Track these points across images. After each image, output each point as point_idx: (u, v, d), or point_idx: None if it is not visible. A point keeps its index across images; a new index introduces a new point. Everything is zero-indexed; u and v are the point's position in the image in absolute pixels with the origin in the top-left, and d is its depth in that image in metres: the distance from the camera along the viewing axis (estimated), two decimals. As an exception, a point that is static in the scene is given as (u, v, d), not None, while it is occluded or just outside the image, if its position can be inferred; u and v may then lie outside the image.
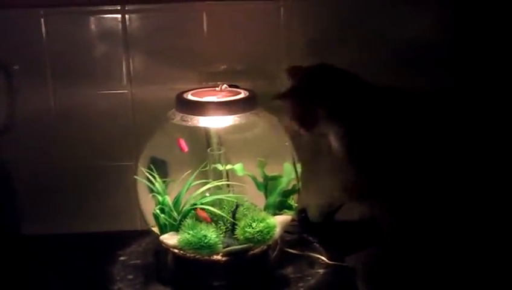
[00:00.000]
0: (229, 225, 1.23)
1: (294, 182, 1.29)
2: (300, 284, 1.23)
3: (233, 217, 1.24)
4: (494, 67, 1.40)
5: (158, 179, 1.24)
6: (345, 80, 1.14)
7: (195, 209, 1.23)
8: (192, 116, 1.21)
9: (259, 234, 1.20)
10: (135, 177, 1.26)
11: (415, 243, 1.05)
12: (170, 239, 1.22)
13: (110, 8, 1.36)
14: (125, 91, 1.40)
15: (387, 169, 1.07)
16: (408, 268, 1.04)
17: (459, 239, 1.04)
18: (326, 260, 1.31)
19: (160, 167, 1.27)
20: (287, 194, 1.29)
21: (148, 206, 1.26)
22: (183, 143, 1.25)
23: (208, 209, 1.22)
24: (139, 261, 1.33)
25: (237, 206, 1.25)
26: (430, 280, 1.03)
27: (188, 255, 1.22)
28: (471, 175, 1.11)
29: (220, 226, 1.23)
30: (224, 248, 1.21)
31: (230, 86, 1.29)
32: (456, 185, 1.07)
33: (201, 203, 1.23)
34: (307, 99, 1.14)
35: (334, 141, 1.12)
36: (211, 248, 1.19)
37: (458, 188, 1.07)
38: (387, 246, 1.09)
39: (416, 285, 1.04)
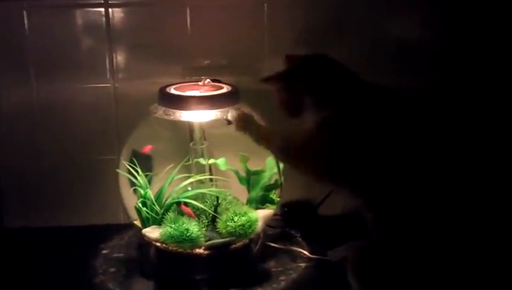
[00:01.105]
0: (211, 218, 1.24)
1: (276, 177, 1.30)
2: (282, 278, 1.24)
3: (215, 211, 1.24)
4: (484, 65, 1.42)
5: (140, 172, 1.24)
6: (338, 71, 1.14)
7: (178, 204, 1.23)
8: (175, 110, 1.21)
9: (241, 228, 1.21)
10: (117, 171, 1.27)
11: (399, 235, 1.06)
12: (152, 233, 1.22)
13: (93, 2, 1.36)
14: (108, 85, 1.40)
15: (370, 162, 1.08)
16: (392, 260, 1.05)
17: (443, 231, 1.05)
18: (308, 254, 1.32)
19: (143, 161, 1.27)
20: (269, 188, 1.30)
21: (131, 200, 1.26)
22: (147, 148, 1.27)
23: (189, 203, 1.23)
24: (121, 255, 1.33)
25: (218, 200, 1.25)
26: (415, 272, 1.04)
27: (170, 248, 1.22)
28: (454, 169, 1.12)
29: (202, 220, 1.23)
30: (206, 241, 1.21)
31: (213, 80, 1.30)
32: (440, 179, 1.09)
33: (184, 197, 1.23)
34: (295, 85, 1.13)
35: (317, 131, 1.13)
36: (193, 242, 1.19)
37: (442, 181, 1.09)
38: (370, 238, 1.10)
39: (401, 277, 1.05)
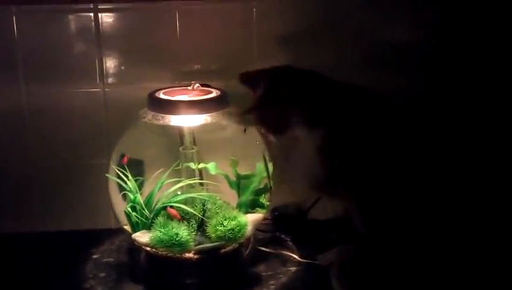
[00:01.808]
0: (199, 222, 1.24)
1: (266, 181, 1.30)
2: (272, 282, 1.24)
3: (203, 215, 1.24)
4: (477, 67, 1.42)
5: (130, 177, 1.24)
6: (314, 81, 1.15)
7: (166, 207, 1.23)
8: (164, 115, 1.21)
9: (231, 232, 1.21)
10: (107, 175, 1.27)
11: (387, 239, 1.06)
12: (142, 237, 1.22)
13: (82, 7, 1.36)
14: (98, 90, 1.39)
15: (360, 168, 1.09)
16: (380, 264, 1.06)
17: (432, 235, 1.05)
18: (298, 258, 1.32)
19: (134, 165, 1.27)
20: (259, 192, 1.30)
21: (120, 205, 1.26)
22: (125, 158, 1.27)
23: (178, 207, 1.23)
24: (111, 259, 1.33)
25: (204, 205, 1.26)
26: (403, 275, 1.05)
27: (160, 253, 1.22)
28: (442, 171, 1.13)
29: (192, 224, 1.23)
30: (196, 245, 1.21)
31: (202, 85, 1.30)
32: (428, 181, 1.09)
33: (174, 202, 1.23)
34: (280, 106, 1.15)
35: (306, 142, 1.13)
36: (182, 246, 1.19)
37: (430, 184, 1.09)
38: (359, 242, 1.10)
39: (389, 281, 1.06)
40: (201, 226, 1.24)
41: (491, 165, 1.44)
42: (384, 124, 1.10)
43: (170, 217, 1.22)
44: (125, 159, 1.26)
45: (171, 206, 1.23)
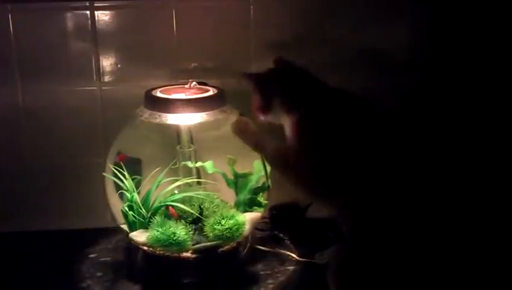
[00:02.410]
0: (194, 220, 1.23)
1: (263, 180, 1.29)
2: (270, 281, 1.24)
3: (200, 214, 1.24)
4: (470, 68, 1.42)
5: (127, 176, 1.23)
6: (302, 77, 1.15)
7: (167, 207, 1.23)
8: (161, 114, 1.21)
9: (228, 231, 1.20)
10: (103, 174, 1.26)
11: (374, 239, 1.06)
12: (139, 236, 1.21)
13: (78, 5, 1.35)
14: (95, 88, 1.39)
15: (344, 168, 1.09)
16: (371, 264, 1.06)
17: (420, 235, 1.06)
18: (296, 257, 1.32)
19: (131, 164, 1.26)
20: (256, 191, 1.30)
21: (117, 204, 1.26)
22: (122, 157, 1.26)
23: (176, 206, 1.22)
24: (108, 259, 1.32)
25: (201, 204, 1.26)
26: (394, 275, 1.05)
27: (157, 252, 1.21)
28: (429, 173, 1.13)
29: (189, 222, 1.23)
30: (193, 245, 1.21)
31: (199, 83, 1.29)
32: (414, 182, 1.09)
33: (171, 201, 1.23)
34: (266, 87, 1.14)
35: (288, 133, 1.13)
36: (180, 245, 1.19)
37: (416, 184, 1.09)
38: (346, 242, 1.10)
39: (382, 280, 1.06)
40: (197, 224, 1.23)
41: (486, 166, 1.45)
42: (369, 128, 1.10)
43: (168, 216, 1.22)
44: (122, 157, 1.25)
45: (172, 206, 1.22)
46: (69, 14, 1.36)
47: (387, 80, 1.40)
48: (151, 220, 1.21)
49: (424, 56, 1.42)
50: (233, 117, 1.22)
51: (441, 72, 1.42)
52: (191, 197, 1.27)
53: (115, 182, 1.24)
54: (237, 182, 1.30)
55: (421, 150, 1.15)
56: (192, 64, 1.39)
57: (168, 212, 1.23)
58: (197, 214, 1.23)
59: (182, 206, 1.22)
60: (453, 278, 1.07)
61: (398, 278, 1.03)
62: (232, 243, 1.24)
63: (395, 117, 1.17)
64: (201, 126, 1.25)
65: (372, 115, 1.11)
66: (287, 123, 1.12)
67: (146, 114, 1.22)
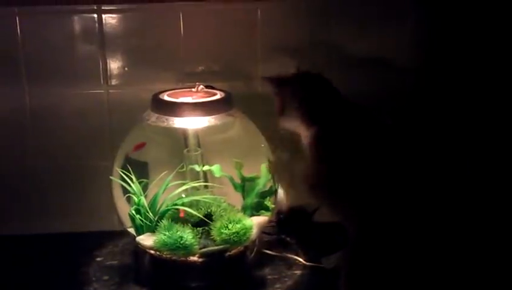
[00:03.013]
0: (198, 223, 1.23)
1: (271, 184, 1.29)
2: (278, 285, 1.23)
3: (208, 217, 1.23)
4: (468, 69, 1.42)
5: (134, 179, 1.23)
6: (320, 85, 1.16)
7: (176, 209, 1.23)
8: (168, 117, 1.21)
9: (236, 235, 1.20)
10: (110, 177, 1.26)
11: (382, 243, 1.06)
12: (146, 240, 1.21)
13: (86, 8, 1.35)
14: (102, 91, 1.39)
15: (355, 173, 1.09)
16: (381, 268, 1.05)
17: (425, 239, 1.06)
18: (304, 261, 1.31)
19: (139, 168, 1.26)
20: (264, 195, 1.29)
21: (124, 207, 1.25)
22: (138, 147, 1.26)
23: (183, 209, 1.22)
24: (115, 262, 1.32)
25: (208, 209, 1.25)
26: (403, 278, 1.04)
27: (164, 256, 1.21)
28: (436, 177, 1.14)
29: (196, 227, 1.22)
30: (200, 249, 1.21)
31: (206, 86, 1.29)
32: (420, 185, 1.10)
33: (178, 205, 1.22)
34: (287, 92, 1.17)
35: (304, 140, 1.15)
36: (187, 249, 1.18)
37: (422, 187, 1.09)
38: (352, 246, 1.11)
39: (389, 284, 1.05)
40: (202, 227, 1.23)
41: (486, 167, 1.44)
42: (378, 139, 1.11)
43: (175, 220, 1.22)
44: (140, 145, 1.25)
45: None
46: (76, 18, 1.36)
47: (390, 81, 1.40)
48: (158, 224, 1.21)
49: (425, 57, 1.41)
50: (240, 121, 1.22)
51: (442, 73, 1.42)
52: (198, 201, 1.26)
53: (122, 185, 1.24)
54: (244, 185, 1.29)
55: (427, 154, 1.16)
56: (199, 68, 1.39)
57: (179, 214, 1.22)
58: (201, 217, 1.22)
59: (189, 210, 1.21)
60: (462, 280, 1.08)
61: (407, 281, 1.03)
62: (239, 247, 1.24)
63: (400, 124, 1.18)
64: (209, 130, 1.24)
65: (381, 125, 1.12)
66: (304, 133, 1.15)
67: (153, 117, 1.22)
